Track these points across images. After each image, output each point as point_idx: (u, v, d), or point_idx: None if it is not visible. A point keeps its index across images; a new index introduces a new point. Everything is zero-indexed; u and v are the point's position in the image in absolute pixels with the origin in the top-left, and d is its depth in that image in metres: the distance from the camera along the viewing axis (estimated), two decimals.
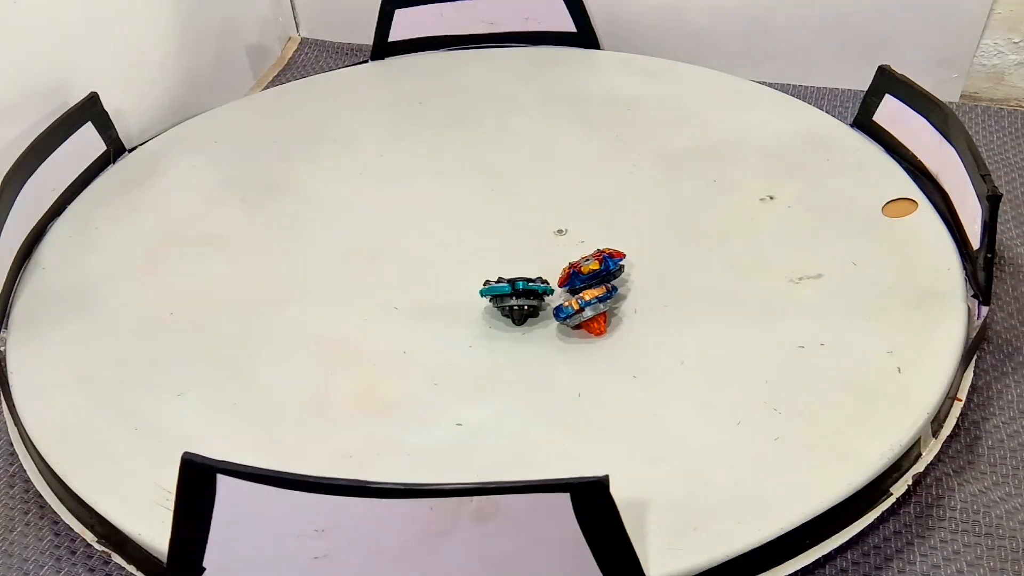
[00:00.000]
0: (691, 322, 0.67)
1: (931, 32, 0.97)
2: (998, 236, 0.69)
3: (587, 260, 0.69)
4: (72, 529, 0.61)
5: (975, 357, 0.68)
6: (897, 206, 0.75)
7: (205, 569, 0.52)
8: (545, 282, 0.68)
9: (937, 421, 0.62)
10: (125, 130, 0.89)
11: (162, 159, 0.87)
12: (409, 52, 0.99)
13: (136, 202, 0.82)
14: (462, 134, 0.88)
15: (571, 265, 0.69)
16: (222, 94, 1.03)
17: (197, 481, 0.49)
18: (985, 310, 0.66)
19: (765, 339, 0.65)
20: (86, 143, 0.84)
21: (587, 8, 0.96)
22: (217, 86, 1.04)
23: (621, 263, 0.69)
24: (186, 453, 0.49)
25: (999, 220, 0.71)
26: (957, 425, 0.64)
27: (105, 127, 0.86)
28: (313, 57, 1.15)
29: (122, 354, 0.68)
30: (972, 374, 0.67)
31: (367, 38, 0.99)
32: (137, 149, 0.89)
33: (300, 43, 1.18)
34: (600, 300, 0.66)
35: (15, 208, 0.74)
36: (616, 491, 0.48)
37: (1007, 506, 0.62)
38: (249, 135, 0.90)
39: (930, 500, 0.62)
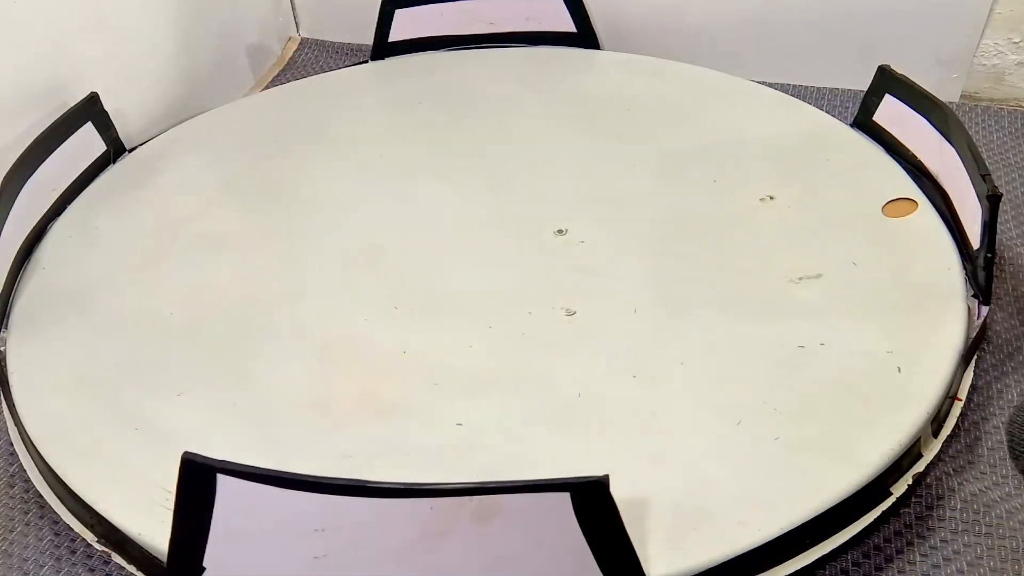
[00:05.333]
0: (691, 322, 0.67)
1: (931, 32, 0.97)
2: (998, 236, 0.69)
3: None
4: (72, 529, 0.61)
5: (975, 357, 0.68)
6: (897, 206, 0.75)
7: (205, 569, 0.52)
8: None
9: (937, 421, 0.62)
10: (125, 130, 0.89)
11: (162, 159, 0.87)
12: (409, 52, 0.99)
13: (136, 202, 0.82)
14: (462, 134, 0.88)
15: None
16: (222, 94, 1.03)
17: (197, 481, 0.49)
18: (985, 310, 0.66)
19: (765, 339, 0.65)
20: (86, 143, 0.84)
21: (587, 8, 0.96)
22: (217, 86, 1.04)
23: None
24: (186, 453, 0.49)
25: (999, 220, 0.71)
26: (957, 425, 0.64)
27: (105, 127, 0.85)
28: (313, 57, 1.15)
29: (122, 354, 0.68)
30: (972, 374, 0.67)
31: (367, 38, 0.99)
32: (137, 149, 0.89)
33: (300, 43, 1.18)
34: None
35: (15, 208, 0.74)
36: (616, 491, 0.48)
37: (1007, 506, 0.62)
38: (249, 135, 0.90)
39: (930, 500, 0.62)
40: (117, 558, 0.59)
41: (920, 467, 0.61)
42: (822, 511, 0.55)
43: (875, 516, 0.58)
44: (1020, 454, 0.63)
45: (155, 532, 0.55)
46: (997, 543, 0.60)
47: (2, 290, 0.72)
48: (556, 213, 0.77)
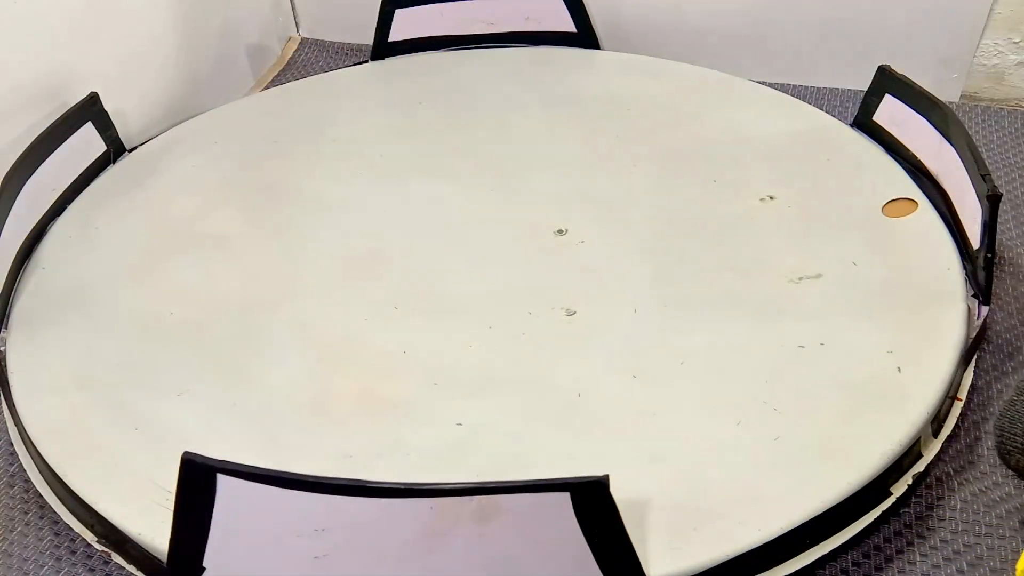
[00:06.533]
0: (691, 322, 0.67)
1: (931, 32, 0.97)
2: (998, 236, 0.68)
3: None
4: (72, 529, 0.61)
5: (975, 357, 0.68)
6: (897, 206, 0.75)
7: (205, 569, 0.52)
8: None
9: (937, 421, 0.62)
10: (125, 130, 0.89)
11: (162, 159, 0.87)
12: (409, 52, 0.99)
13: (136, 202, 0.82)
14: (462, 134, 0.88)
15: None
16: (222, 94, 1.03)
17: (197, 481, 0.49)
18: (985, 310, 0.66)
19: (765, 339, 0.65)
20: (86, 143, 0.84)
21: (587, 8, 0.96)
22: (217, 86, 1.04)
23: None
24: (186, 453, 0.49)
25: (999, 220, 0.71)
26: (957, 425, 0.64)
27: (105, 127, 0.85)
28: (313, 57, 1.15)
29: (122, 354, 0.68)
30: (972, 374, 0.67)
31: (367, 38, 0.99)
32: (137, 149, 0.89)
33: (300, 43, 1.18)
34: None
35: (15, 208, 0.74)
36: (616, 491, 0.48)
37: (1007, 506, 0.62)
38: (249, 135, 0.90)
39: (930, 500, 0.62)
40: (117, 558, 0.59)
41: (920, 467, 0.61)
42: (822, 511, 0.55)
43: (875, 516, 0.58)
44: (1012, 450, 0.63)
45: (155, 532, 0.55)
46: (997, 543, 0.60)
47: (2, 290, 0.72)
48: (556, 213, 0.77)
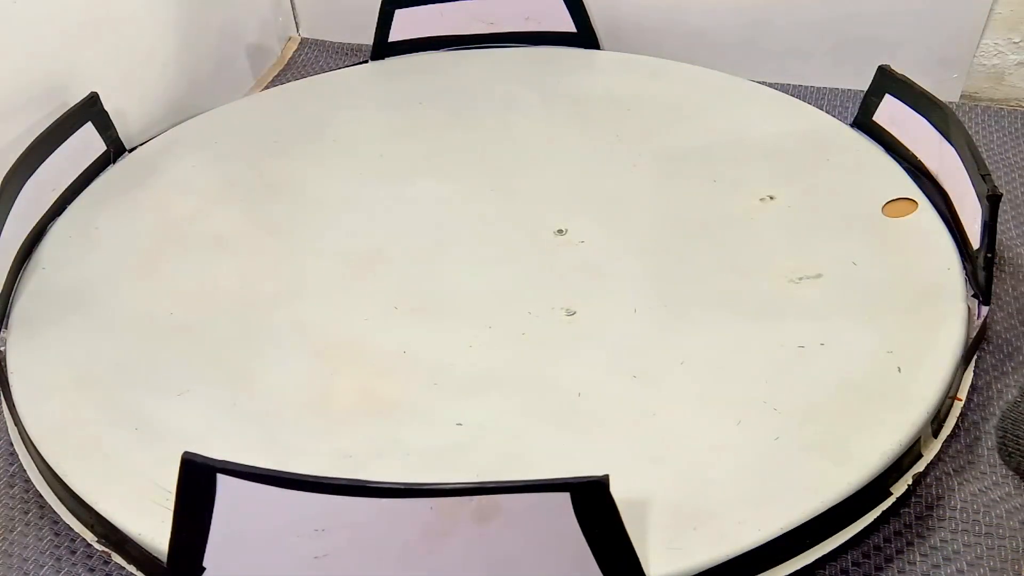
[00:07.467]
0: (691, 322, 0.67)
1: (931, 32, 0.97)
2: (998, 236, 0.69)
3: None
4: (72, 529, 0.61)
5: (975, 357, 0.68)
6: (897, 206, 0.75)
7: (205, 569, 0.52)
8: None
9: (937, 421, 0.62)
10: (125, 130, 0.89)
11: (162, 159, 0.87)
12: (409, 52, 0.99)
13: (136, 202, 0.82)
14: (462, 134, 0.88)
15: None
16: (222, 94, 1.03)
17: (197, 481, 0.50)
18: (985, 310, 0.66)
19: (765, 339, 0.65)
20: (86, 143, 0.84)
21: (587, 8, 0.96)
22: (217, 86, 1.04)
23: None
24: (186, 453, 0.49)
25: (999, 220, 0.71)
26: (957, 425, 0.64)
27: (105, 127, 0.85)
28: (313, 57, 1.15)
29: (122, 354, 0.68)
30: (972, 374, 0.67)
31: (367, 38, 0.99)
32: (137, 149, 0.89)
33: (300, 43, 1.18)
34: None
35: (15, 208, 0.74)
36: (616, 491, 0.48)
37: (1007, 506, 0.62)
38: (249, 135, 0.90)
39: (930, 500, 0.62)
40: (117, 558, 0.59)
41: (920, 467, 0.61)
42: (822, 511, 0.55)
43: (875, 516, 0.58)
44: (1013, 451, 0.64)
45: (155, 532, 0.55)
46: (997, 543, 0.60)
47: (2, 290, 0.72)
48: (556, 213, 0.77)
